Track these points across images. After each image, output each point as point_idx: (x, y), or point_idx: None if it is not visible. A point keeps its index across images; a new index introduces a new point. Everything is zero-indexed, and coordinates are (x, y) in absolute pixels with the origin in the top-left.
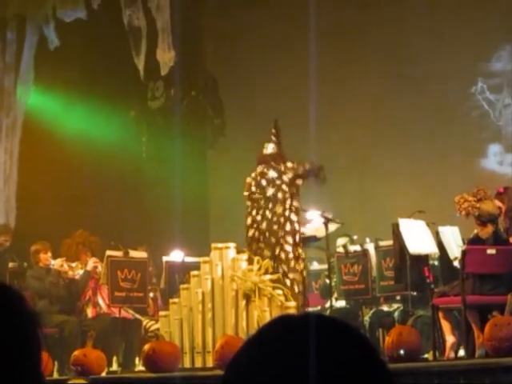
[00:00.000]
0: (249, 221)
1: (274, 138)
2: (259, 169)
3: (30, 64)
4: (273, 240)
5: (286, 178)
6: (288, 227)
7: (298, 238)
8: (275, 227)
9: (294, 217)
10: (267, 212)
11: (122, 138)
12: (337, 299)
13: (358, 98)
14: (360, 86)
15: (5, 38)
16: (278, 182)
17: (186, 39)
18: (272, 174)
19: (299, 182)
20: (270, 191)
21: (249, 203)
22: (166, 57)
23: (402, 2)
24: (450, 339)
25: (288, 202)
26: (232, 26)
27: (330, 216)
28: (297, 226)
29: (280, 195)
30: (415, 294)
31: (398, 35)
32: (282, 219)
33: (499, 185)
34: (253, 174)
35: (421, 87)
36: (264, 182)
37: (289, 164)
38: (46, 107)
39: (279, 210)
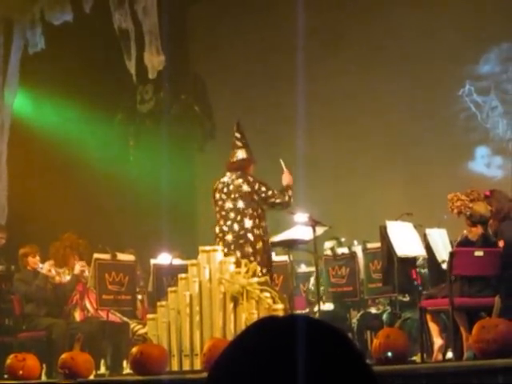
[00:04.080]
0: (217, 230)
1: (239, 143)
2: (232, 177)
3: (16, 68)
4: (238, 254)
5: (256, 197)
6: (259, 245)
7: (266, 258)
8: (241, 241)
9: (264, 236)
10: (235, 225)
11: (109, 140)
12: (325, 302)
13: (346, 99)
14: (348, 88)
15: None
16: (248, 197)
17: (174, 42)
18: (246, 188)
19: (265, 207)
20: (241, 204)
21: (216, 209)
22: (155, 60)
23: (389, 5)
24: (437, 341)
25: (257, 220)
26: (221, 29)
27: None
28: (267, 245)
29: (250, 211)
30: (403, 296)
31: (386, 37)
32: (249, 235)
33: (487, 187)
34: (224, 180)
35: (408, 89)
36: (236, 194)
37: (263, 188)
38: (33, 109)
39: (247, 225)
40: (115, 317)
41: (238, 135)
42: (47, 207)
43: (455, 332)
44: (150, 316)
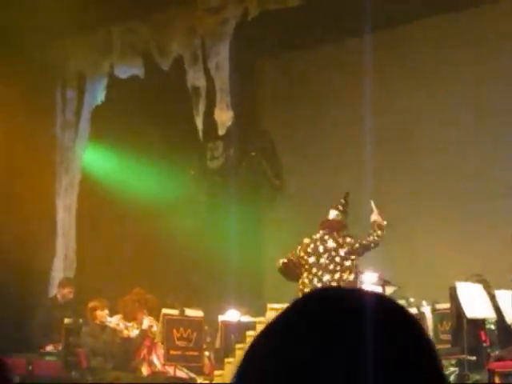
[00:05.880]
0: (300, 283)
1: (340, 207)
2: (320, 234)
3: (87, 121)
4: None
5: (341, 251)
6: None
7: None
8: None
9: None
10: (315, 279)
11: (180, 196)
12: None
13: (415, 155)
14: (419, 146)
15: (65, 96)
16: (333, 253)
17: (243, 98)
18: (331, 243)
19: (353, 257)
20: (323, 259)
21: (303, 262)
22: (224, 116)
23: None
24: None
25: (337, 274)
26: (289, 85)
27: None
28: None
29: (331, 266)
30: (472, 358)
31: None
32: None
33: None
34: (313, 237)
35: (483, 146)
36: (321, 249)
37: (348, 239)
38: (104, 164)
39: (326, 279)
40: (182, 372)
41: (342, 201)
42: (116, 261)
43: None
44: (217, 372)
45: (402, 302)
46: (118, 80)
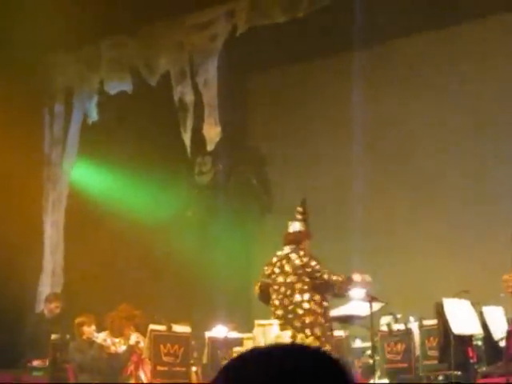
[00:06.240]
0: (271, 305)
1: (299, 217)
2: (285, 251)
3: (75, 137)
4: (288, 328)
5: (307, 269)
6: (308, 319)
7: (320, 330)
8: (290, 316)
9: (318, 309)
10: (286, 300)
11: (168, 212)
12: (380, 377)
13: (400, 176)
14: (406, 161)
15: (53, 111)
16: (300, 271)
17: (233, 114)
18: (297, 262)
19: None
20: (291, 278)
21: (271, 282)
22: (213, 132)
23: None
24: None
25: (307, 294)
26: (280, 101)
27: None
28: (321, 319)
29: (300, 285)
30: (459, 373)
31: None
32: (298, 310)
33: None
34: (278, 254)
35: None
36: (288, 267)
37: (312, 262)
38: (91, 180)
39: (296, 299)
40: None
41: (299, 209)
42: (103, 277)
43: None
44: None
45: (389, 317)
46: (106, 95)
